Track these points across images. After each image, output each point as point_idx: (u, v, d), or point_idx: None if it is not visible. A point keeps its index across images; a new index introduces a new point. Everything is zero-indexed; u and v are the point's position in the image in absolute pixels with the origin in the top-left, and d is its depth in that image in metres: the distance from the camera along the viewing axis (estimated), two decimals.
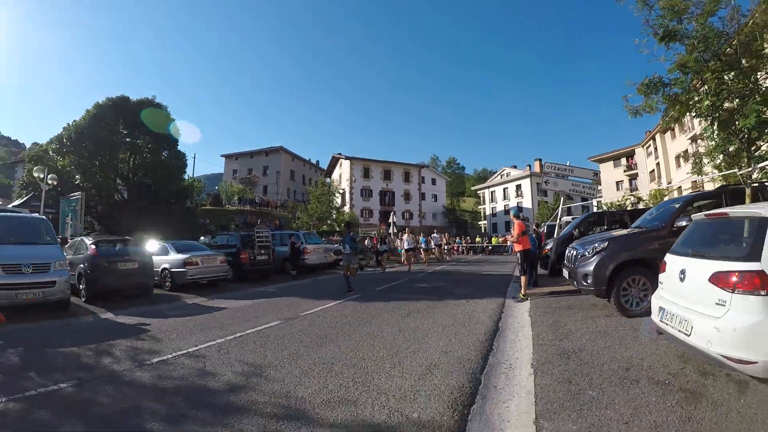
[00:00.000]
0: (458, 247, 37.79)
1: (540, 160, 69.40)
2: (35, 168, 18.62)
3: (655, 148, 43.04)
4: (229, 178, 62.64)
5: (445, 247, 30.64)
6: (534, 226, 16.85)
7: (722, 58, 7.10)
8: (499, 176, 70.98)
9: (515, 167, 70.08)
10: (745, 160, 7.33)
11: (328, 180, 44.35)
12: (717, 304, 3.22)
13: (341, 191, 48.51)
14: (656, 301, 4.24)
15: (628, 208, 25.67)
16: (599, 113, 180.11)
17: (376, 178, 52.83)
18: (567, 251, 8.09)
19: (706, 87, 7.17)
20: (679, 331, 3.58)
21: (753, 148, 7.29)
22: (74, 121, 25.77)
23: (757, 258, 3.10)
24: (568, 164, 13.89)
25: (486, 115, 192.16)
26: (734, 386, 3.49)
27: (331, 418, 3.32)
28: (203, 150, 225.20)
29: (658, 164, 42.32)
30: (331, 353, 5.24)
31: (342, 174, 53.22)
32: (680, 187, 30.09)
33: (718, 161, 8.10)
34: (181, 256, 12.79)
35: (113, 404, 3.77)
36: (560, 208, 13.70)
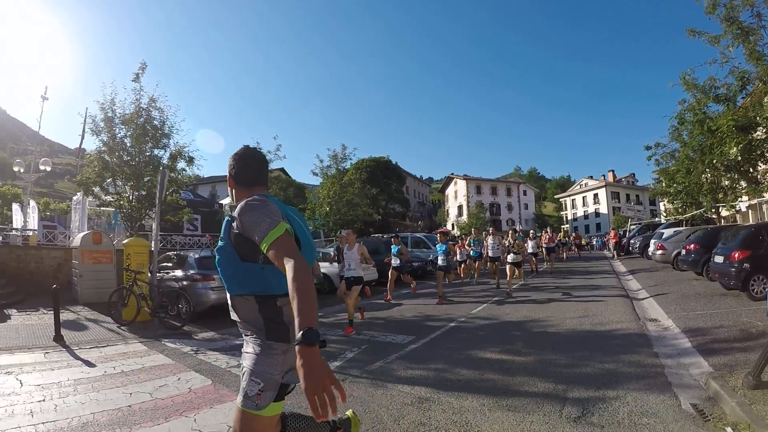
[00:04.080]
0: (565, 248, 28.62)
1: (613, 171, 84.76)
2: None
3: None
4: None
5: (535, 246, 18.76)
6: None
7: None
8: (578, 186, 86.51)
9: (591, 177, 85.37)
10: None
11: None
12: (654, 247, 20.77)
13: (459, 205, 66.79)
14: (650, 249, 21.80)
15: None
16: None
17: (486, 193, 70.72)
18: (631, 241, 25.74)
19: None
20: (643, 251, 21.19)
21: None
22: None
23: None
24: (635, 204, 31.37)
25: (564, 126, 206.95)
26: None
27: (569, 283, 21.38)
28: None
29: None
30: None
31: (458, 190, 71.48)
32: None
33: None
34: None
35: None
36: (629, 223, 31.10)
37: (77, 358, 6.80)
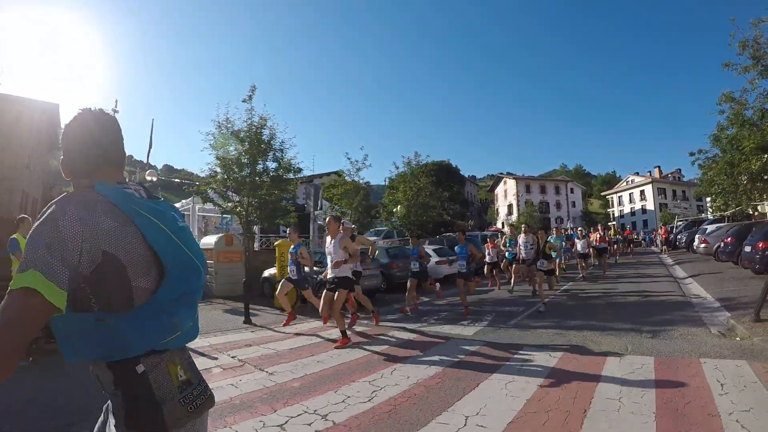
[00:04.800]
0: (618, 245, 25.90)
1: (659, 167, 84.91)
2: (397, 209, 29.62)
3: None
4: None
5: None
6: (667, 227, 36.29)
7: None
8: (625, 183, 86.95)
9: (637, 174, 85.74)
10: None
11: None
12: (698, 241, 23.16)
13: (509, 204, 69.23)
14: (694, 243, 24.20)
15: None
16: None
17: (535, 192, 72.96)
18: (678, 236, 28.09)
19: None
20: (689, 245, 23.64)
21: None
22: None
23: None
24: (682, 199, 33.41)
25: (609, 122, 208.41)
26: None
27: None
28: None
29: None
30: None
31: (507, 190, 73.91)
32: None
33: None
34: None
35: None
36: (676, 219, 33.24)
37: (282, 332, 8.43)
